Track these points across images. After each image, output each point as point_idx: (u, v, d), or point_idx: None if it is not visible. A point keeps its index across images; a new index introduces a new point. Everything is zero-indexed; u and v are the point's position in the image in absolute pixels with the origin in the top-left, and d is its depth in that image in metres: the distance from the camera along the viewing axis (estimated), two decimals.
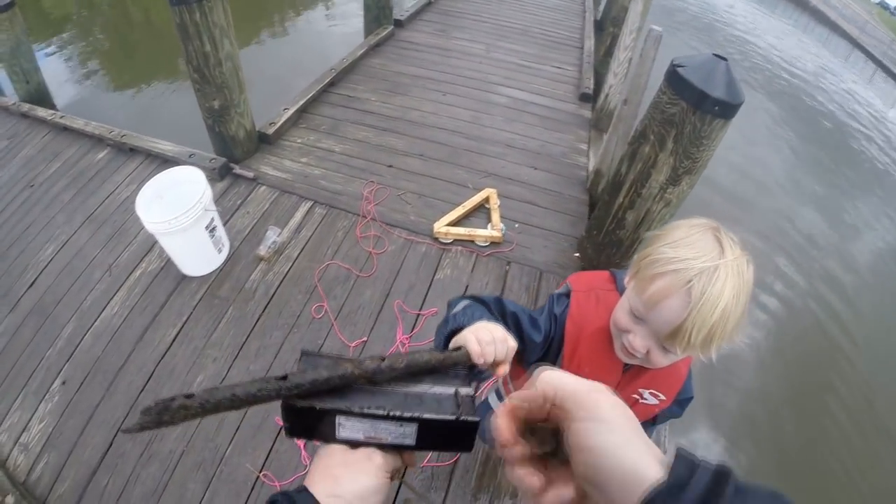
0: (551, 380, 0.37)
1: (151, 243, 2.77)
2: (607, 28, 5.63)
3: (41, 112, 4.09)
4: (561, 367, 0.99)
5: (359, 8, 5.24)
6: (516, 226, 2.96)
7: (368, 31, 5.19)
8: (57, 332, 2.48)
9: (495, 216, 2.98)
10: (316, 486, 0.48)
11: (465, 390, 0.54)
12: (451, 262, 2.71)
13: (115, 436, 2.11)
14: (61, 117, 3.94)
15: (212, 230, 2.53)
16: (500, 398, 1.33)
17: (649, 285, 0.77)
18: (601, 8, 7.10)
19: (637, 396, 0.99)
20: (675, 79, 1.92)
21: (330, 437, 0.52)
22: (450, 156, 3.51)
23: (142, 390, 2.24)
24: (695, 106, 1.88)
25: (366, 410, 0.50)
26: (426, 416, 0.51)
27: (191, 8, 2.64)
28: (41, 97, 4.65)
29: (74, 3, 8.17)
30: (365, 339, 2.37)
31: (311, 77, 4.15)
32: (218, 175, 3.08)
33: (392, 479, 0.53)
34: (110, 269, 2.74)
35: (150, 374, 2.28)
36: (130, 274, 2.69)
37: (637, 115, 2.72)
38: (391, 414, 0.50)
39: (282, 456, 1.95)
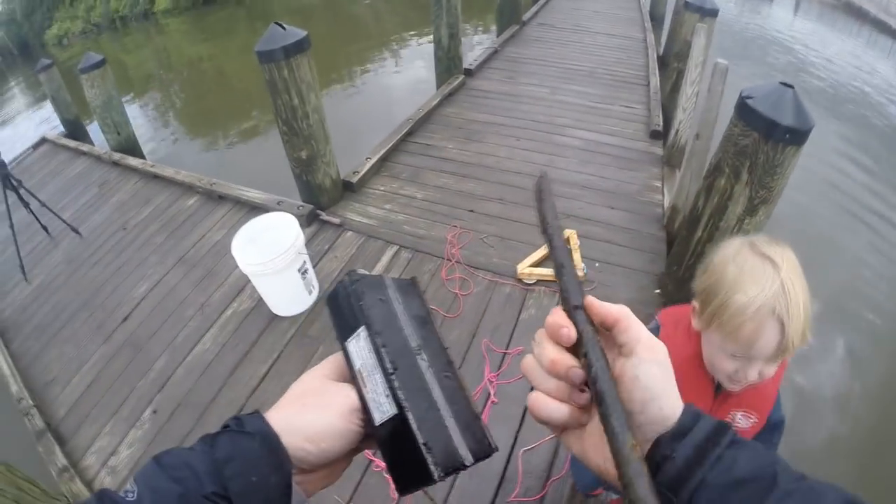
0: (628, 313, 0.40)
1: (242, 284, 3.05)
2: (671, 63, 5.76)
3: (132, 161, 4.62)
4: None
5: (419, 55, 5.63)
6: (597, 265, 3.08)
7: (441, 81, 5.61)
8: (149, 364, 2.76)
9: (576, 256, 3.12)
10: (280, 410, 0.44)
11: None
12: (535, 302, 2.85)
13: None
14: (151, 166, 4.44)
15: (304, 272, 2.79)
16: None
17: (740, 332, 0.86)
18: (663, 42, 7.31)
19: (730, 419, 1.04)
20: (744, 111, 2.05)
21: (341, 335, 0.46)
22: (528, 199, 3.63)
23: None
24: (766, 136, 1.99)
25: (375, 340, 0.41)
26: (412, 416, 0.38)
27: (279, 65, 3.01)
28: (131, 147, 5.26)
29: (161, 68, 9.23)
30: None
31: (387, 124, 4.51)
32: (305, 221, 3.38)
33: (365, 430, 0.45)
34: (202, 307, 3.03)
35: (240, 407, 2.47)
36: (222, 313, 2.96)
37: (710, 149, 2.83)
38: (389, 371, 0.40)
39: (370, 490, 2.04)
